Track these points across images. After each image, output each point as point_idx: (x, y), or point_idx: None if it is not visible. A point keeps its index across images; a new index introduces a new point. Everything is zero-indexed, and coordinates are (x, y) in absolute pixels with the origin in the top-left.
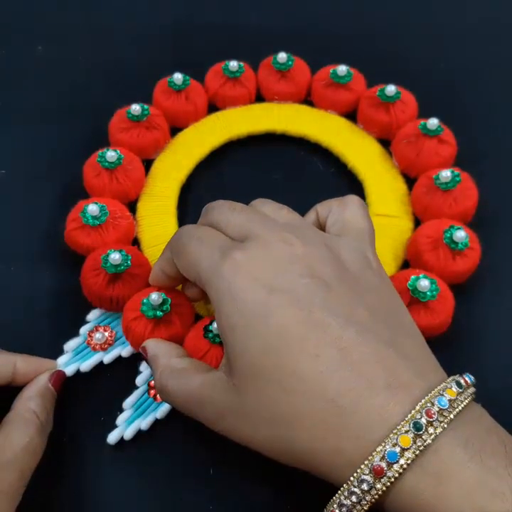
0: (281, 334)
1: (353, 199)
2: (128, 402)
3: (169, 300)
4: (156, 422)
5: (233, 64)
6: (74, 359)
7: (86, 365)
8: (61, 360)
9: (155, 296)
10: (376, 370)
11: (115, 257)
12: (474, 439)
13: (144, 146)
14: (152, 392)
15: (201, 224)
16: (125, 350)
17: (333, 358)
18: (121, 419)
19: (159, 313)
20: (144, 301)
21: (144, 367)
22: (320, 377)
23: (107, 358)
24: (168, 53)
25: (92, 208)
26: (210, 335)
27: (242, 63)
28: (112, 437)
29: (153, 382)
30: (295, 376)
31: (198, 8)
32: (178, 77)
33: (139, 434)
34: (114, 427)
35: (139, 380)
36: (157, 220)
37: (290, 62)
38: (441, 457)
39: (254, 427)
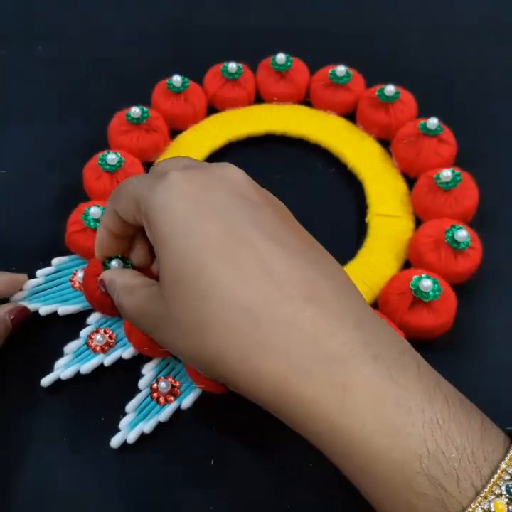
0: (204, 242)
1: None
2: (131, 406)
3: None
4: (158, 424)
5: (232, 66)
6: (74, 361)
7: (86, 367)
8: (61, 362)
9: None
10: (295, 281)
11: (115, 263)
12: (386, 356)
13: (143, 148)
14: (155, 395)
15: None
16: (126, 352)
17: (252, 267)
18: (124, 422)
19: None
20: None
21: (146, 369)
22: (237, 285)
23: (108, 360)
24: (167, 53)
25: (94, 211)
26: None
27: (240, 65)
28: (115, 441)
29: (155, 384)
30: (213, 283)
31: (197, 9)
32: (177, 79)
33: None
34: (116, 429)
35: (142, 383)
36: None
37: (289, 63)
38: (347, 369)
39: (177, 334)
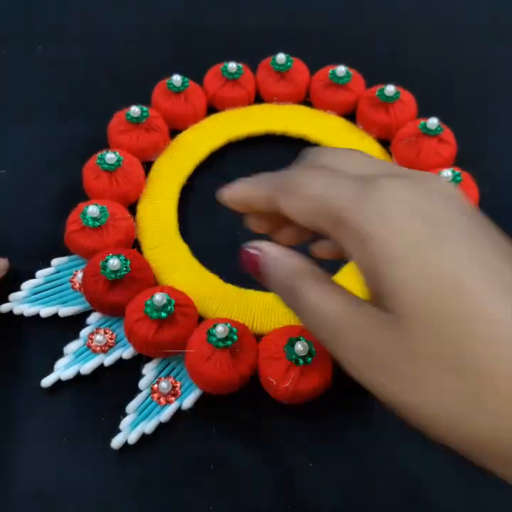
0: (457, 271)
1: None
2: (131, 406)
3: (173, 301)
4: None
5: (232, 65)
6: (74, 362)
7: (86, 367)
8: (61, 362)
9: (159, 297)
10: None
11: (114, 262)
12: None
13: (143, 148)
14: (155, 395)
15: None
16: (126, 352)
17: None
18: (124, 423)
19: (163, 314)
20: (148, 302)
21: (146, 370)
22: (506, 324)
23: (108, 360)
24: (167, 53)
25: (93, 210)
26: (214, 339)
27: (240, 65)
28: (116, 442)
29: (155, 385)
30: (481, 320)
31: (197, 9)
32: (177, 78)
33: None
34: (117, 430)
35: (142, 383)
36: (157, 221)
37: (289, 63)
38: None
39: (419, 373)
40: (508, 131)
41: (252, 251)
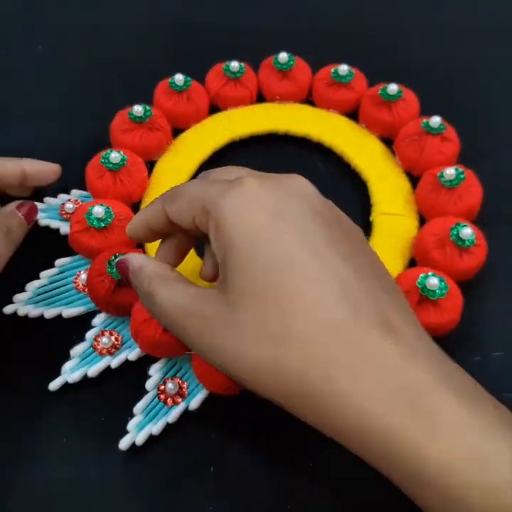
0: (287, 257)
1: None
2: (138, 407)
3: None
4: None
5: (234, 64)
6: (81, 364)
7: (93, 370)
8: (67, 365)
9: None
10: (371, 307)
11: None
12: (465, 386)
13: (146, 147)
14: (162, 396)
15: None
16: (132, 354)
17: (333, 287)
18: (132, 424)
19: None
20: None
21: (153, 371)
22: (320, 302)
23: (115, 362)
24: (168, 53)
25: (98, 210)
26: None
27: (242, 64)
28: (124, 443)
29: (162, 386)
30: (298, 298)
31: (198, 8)
32: (179, 77)
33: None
34: (125, 432)
35: (149, 384)
36: None
37: (291, 62)
38: (433, 398)
39: (244, 342)
40: (509, 130)
41: (123, 260)
